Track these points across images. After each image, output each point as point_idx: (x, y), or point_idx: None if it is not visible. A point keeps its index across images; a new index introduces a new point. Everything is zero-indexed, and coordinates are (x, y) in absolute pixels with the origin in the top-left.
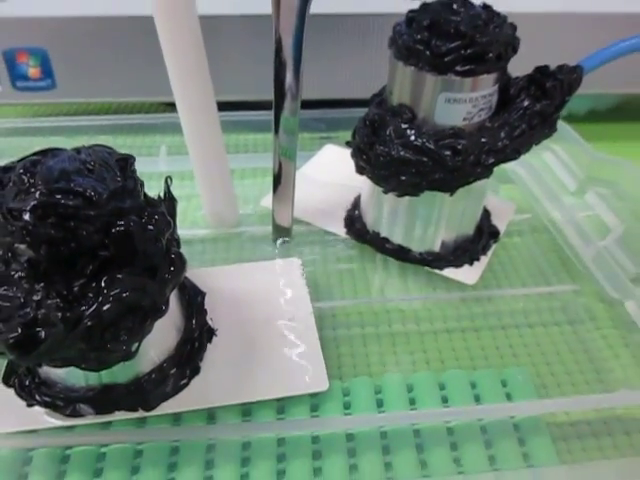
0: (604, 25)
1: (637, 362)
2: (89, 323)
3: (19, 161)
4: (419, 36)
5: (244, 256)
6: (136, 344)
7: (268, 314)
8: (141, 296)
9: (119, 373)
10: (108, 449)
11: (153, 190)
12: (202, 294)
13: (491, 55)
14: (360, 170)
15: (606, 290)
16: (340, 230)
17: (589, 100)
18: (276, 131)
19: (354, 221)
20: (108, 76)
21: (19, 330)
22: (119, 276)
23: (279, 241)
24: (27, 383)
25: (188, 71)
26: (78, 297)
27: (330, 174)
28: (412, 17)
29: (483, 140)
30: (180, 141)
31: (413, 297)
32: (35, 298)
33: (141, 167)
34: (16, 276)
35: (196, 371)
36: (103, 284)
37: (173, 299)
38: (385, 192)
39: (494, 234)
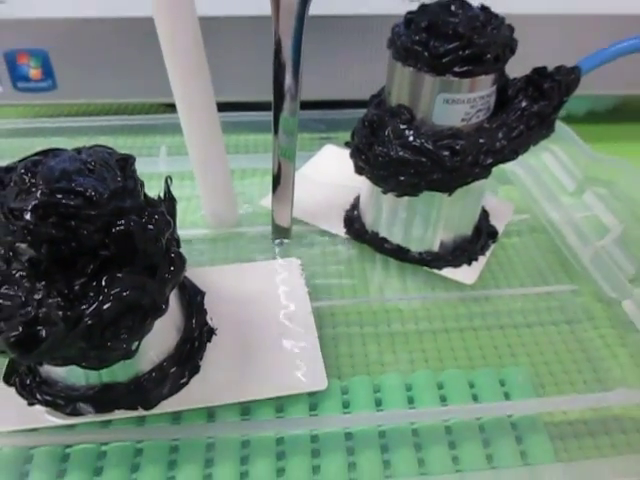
0: (602, 26)
1: (634, 362)
2: (90, 322)
3: (20, 161)
4: (417, 37)
5: (244, 256)
6: (136, 343)
7: (267, 313)
8: (141, 295)
9: (119, 372)
10: (108, 447)
11: (153, 190)
12: (202, 294)
13: (489, 56)
14: (359, 170)
15: (604, 290)
16: (339, 230)
17: (588, 101)
18: (275, 132)
19: (353, 221)
20: (108, 77)
21: (20, 329)
22: (119, 275)
23: (278, 241)
24: (28, 382)
25: (188, 72)
26: (79, 296)
27: (329, 174)
28: (411, 18)
29: (481, 141)
30: (180, 142)
31: (412, 297)
32: (36, 297)
33: (141, 167)
34: (17, 275)
35: (196, 370)
36: (103, 283)
37: (173, 299)
38: (384, 192)
39: (493, 234)
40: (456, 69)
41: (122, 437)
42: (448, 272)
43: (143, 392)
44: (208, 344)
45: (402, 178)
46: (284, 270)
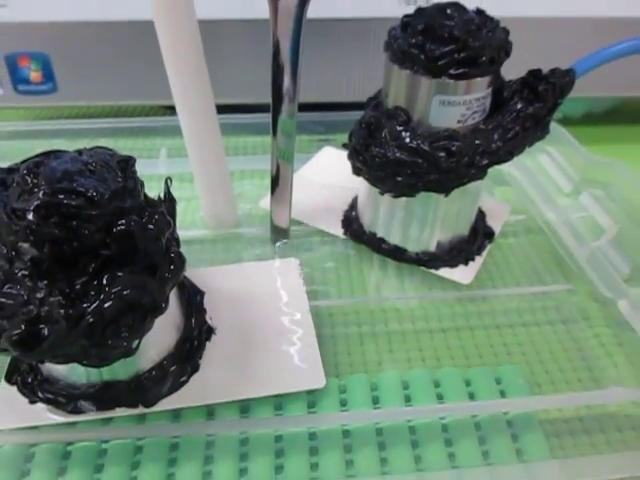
0: (596, 29)
1: (629, 360)
2: (91, 320)
3: (22, 162)
4: (414, 40)
5: (243, 256)
6: (136, 341)
7: (266, 313)
8: (141, 294)
9: (120, 370)
10: (109, 445)
11: (153, 191)
12: (201, 293)
13: (484, 59)
14: (357, 171)
15: (599, 290)
16: (337, 231)
17: (585, 103)
18: (274, 133)
19: (351, 222)
20: (109, 80)
21: (23, 327)
22: (120, 274)
23: (277, 242)
24: (29, 380)
25: (188, 75)
26: (80, 295)
27: (328, 176)
28: (407, 22)
29: (477, 142)
30: (180, 144)
31: (409, 296)
32: (38, 296)
33: (141, 169)
34: (20, 274)
35: (195, 369)
36: (104, 282)
37: (173, 298)
38: (381, 193)
39: (489, 235)
40: (452, 71)
41: (123, 435)
42: (445, 272)
43: (143, 390)
44: (207, 343)
45: (399, 179)
46: (283, 270)
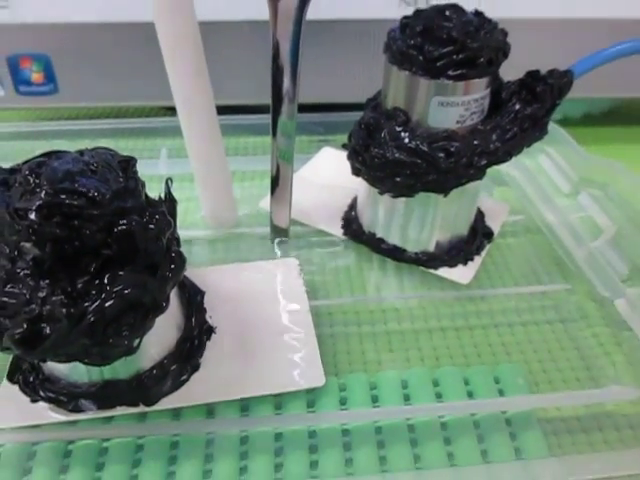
0: (594, 30)
1: (627, 360)
2: (92, 319)
3: (24, 163)
4: (413, 41)
5: (243, 256)
6: (137, 339)
7: (266, 312)
8: (142, 293)
9: (121, 369)
10: (110, 443)
11: (154, 192)
12: (201, 293)
13: (482, 60)
14: (356, 172)
15: (598, 289)
16: (337, 231)
17: (584, 104)
18: (274, 134)
19: (351, 222)
20: (109, 81)
21: (25, 326)
22: (121, 273)
23: (277, 242)
24: (31, 379)
25: (188, 76)
26: (82, 294)
27: (327, 176)
28: (406, 23)
29: (475, 142)
30: (180, 144)
31: (408, 296)
32: (40, 295)
33: (142, 170)
34: (22, 274)
35: (196, 368)
36: (106, 281)
37: (173, 298)
38: (381, 193)
39: (488, 235)
40: (450, 72)
41: (123, 433)
42: (444, 272)
43: (144, 389)
44: (208, 342)
45: (398, 179)
46: (283, 270)
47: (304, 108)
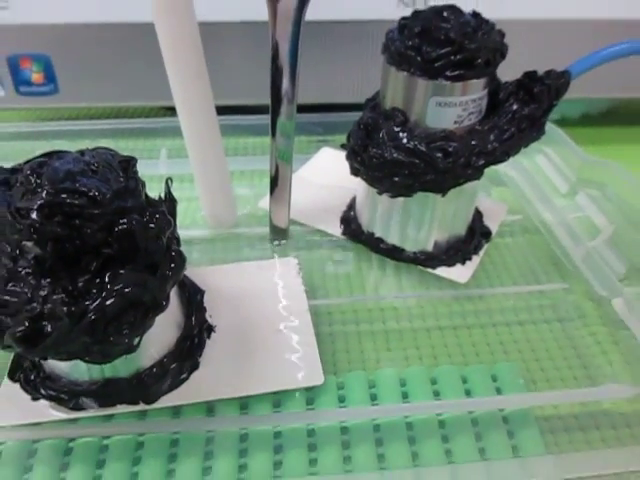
0: (591, 31)
1: (624, 358)
2: (93, 317)
3: (26, 163)
4: (411, 42)
5: (242, 256)
6: (138, 338)
7: (265, 311)
8: (142, 291)
9: (121, 367)
10: (110, 441)
11: (154, 192)
12: (201, 292)
13: (480, 61)
14: (355, 172)
15: (595, 289)
16: (336, 231)
17: (582, 104)
18: (273, 134)
19: (350, 222)
20: (109, 81)
21: (26, 324)
22: (121, 272)
23: (276, 241)
24: (32, 377)
25: (188, 76)
26: (82, 292)
27: (326, 176)
28: (404, 24)
29: (473, 143)
30: (180, 144)
31: (407, 295)
32: (41, 293)
33: (142, 170)
34: (23, 272)
35: (195, 366)
36: (106, 280)
37: (173, 297)
38: (379, 193)
39: (486, 234)
40: (448, 73)
41: (124, 431)
42: (442, 271)
43: (144, 387)
44: (207, 341)
45: (396, 179)
46: (282, 269)
47: (303, 108)
